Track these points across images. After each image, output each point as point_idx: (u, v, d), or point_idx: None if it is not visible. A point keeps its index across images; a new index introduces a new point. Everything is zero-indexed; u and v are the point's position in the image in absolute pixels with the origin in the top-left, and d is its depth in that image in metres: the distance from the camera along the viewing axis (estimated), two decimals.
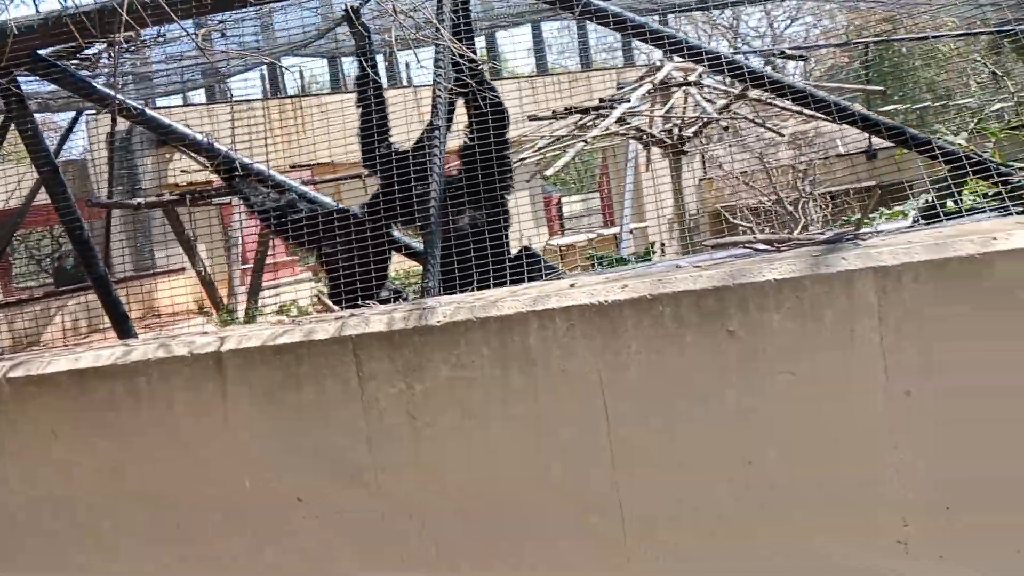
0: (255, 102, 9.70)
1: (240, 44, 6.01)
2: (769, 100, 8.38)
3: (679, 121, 9.16)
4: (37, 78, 4.92)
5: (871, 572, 2.30)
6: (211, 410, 2.70)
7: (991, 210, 3.08)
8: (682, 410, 2.40)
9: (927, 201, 3.83)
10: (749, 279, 2.36)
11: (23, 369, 2.88)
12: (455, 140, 4.20)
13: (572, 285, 2.63)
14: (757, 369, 2.34)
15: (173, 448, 2.75)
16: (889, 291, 2.26)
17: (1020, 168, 3.45)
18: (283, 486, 2.67)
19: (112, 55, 4.67)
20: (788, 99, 4.13)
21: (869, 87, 7.79)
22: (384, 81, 4.27)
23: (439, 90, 3.94)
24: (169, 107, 10.92)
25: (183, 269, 9.06)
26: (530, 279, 3.36)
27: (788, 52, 8.03)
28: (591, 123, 8.83)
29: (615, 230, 10.96)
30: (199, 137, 4.44)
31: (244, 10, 5.34)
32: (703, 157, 12.75)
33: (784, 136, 9.58)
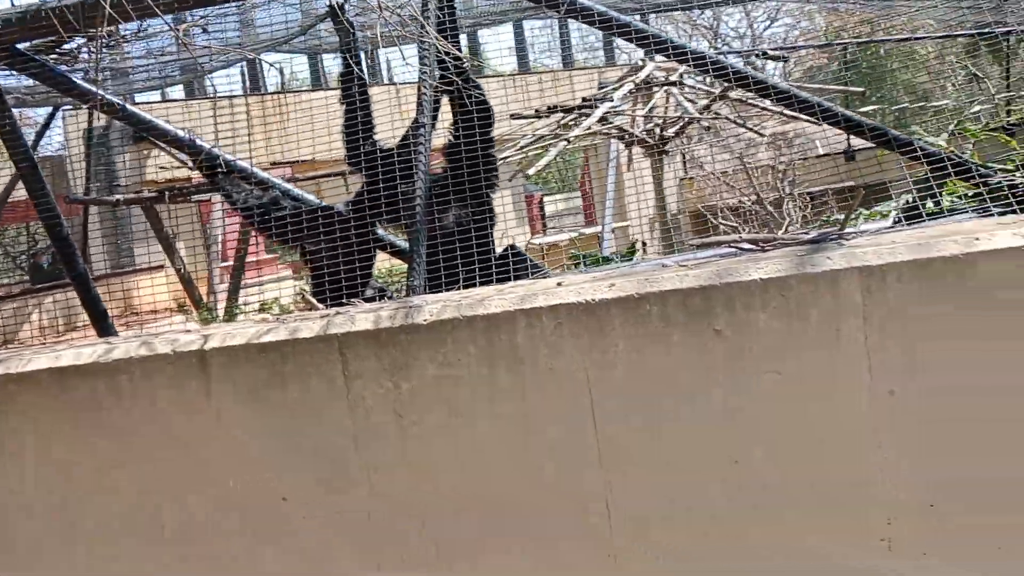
0: (236, 98, 9.62)
1: (222, 40, 5.95)
2: (750, 100, 8.44)
3: (661, 121, 9.20)
4: (12, 73, 4.86)
5: (856, 570, 2.32)
6: (195, 408, 2.67)
7: (972, 211, 3.12)
8: (669, 409, 2.41)
9: (907, 202, 3.87)
10: (735, 278, 2.38)
11: (2, 367, 2.84)
12: (439, 138, 4.19)
13: (559, 284, 2.63)
14: (744, 368, 2.35)
15: (157, 447, 2.72)
16: (874, 291, 2.28)
17: (1000, 169, 3.49)
18: (267, 485, 2.65)
19: (92, 50, 4.61)
20: (772, 100, 4.15)
21: (850, 88, 7.86)
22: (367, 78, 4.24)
23: (424, 87, 3.92)
24: (150, 103, 10.80)
25: (162, 267, 8.98)
26: (516, 278, 3.36)
27: (771, 52, 8.08)
28: (573, 122, 8.84)
29: (597, 229, 10.99)
30: (181, 133, 4.40)
31: (225, 5, 5.30)
32: (684, 157, 12.82)
33: (764, 136, 9.65)
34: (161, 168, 8.31)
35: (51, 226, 4.31)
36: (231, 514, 2.69)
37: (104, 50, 5.09)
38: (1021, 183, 3.18)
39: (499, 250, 4.00)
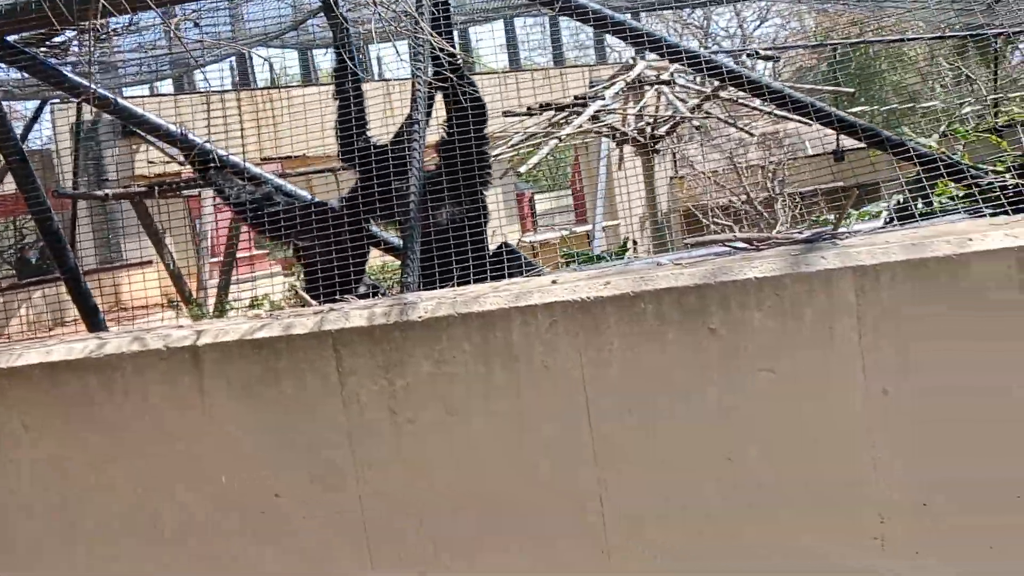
0: (226, 94, 9.57)
1: (213, 35, 5.92)
2: (740, 100, 8.47)
3: (652, 119, 9.22)
4: (1, 66, 4.81)
5: (850, 569, 2.33)
6: (188, 404, 2.66)
7: (964, 211, 3.14)
8: (664, 407, 2.41)
9: (899, 202, 3.89)
10: (731, 277, 2.38)
11: None
12: (432, 135, 4.18)
13: (554, 282, 2.63)
14: (738, 367, 2.36)
15: (149, 443, 2.70)
16: (867, 290, 2.29)
17: (991, 171, 3.52)
18: (261, 482, 2.64)
19: (83, 42, 4.57)
20: (767, 100, 4.16)
21: (840, 89, 7.90)
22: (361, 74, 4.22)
23: (419, 83, 3.91)
24: (142, 97, 10.72)
25: (150, 262, 8.92)
26: (510, 275, 3.36)
27: (764, 52, 8.11)
28: (564, 120, 8.85)
29: (588, 227, 11.00)
30: (173, 128, 4.37)
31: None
32: (675, 156, 12.85)
33: (754, 136, 9.69)
34: (150, 163, 8.28)
35: (41, 220, 4.28)
36: (224, 510, 2.68)
37: (95, 43, 5.05)
38: (1012, 184, 3.20)
39: (493, 248, 4.00)
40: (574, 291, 2.48)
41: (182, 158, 5.77)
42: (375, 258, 5.66)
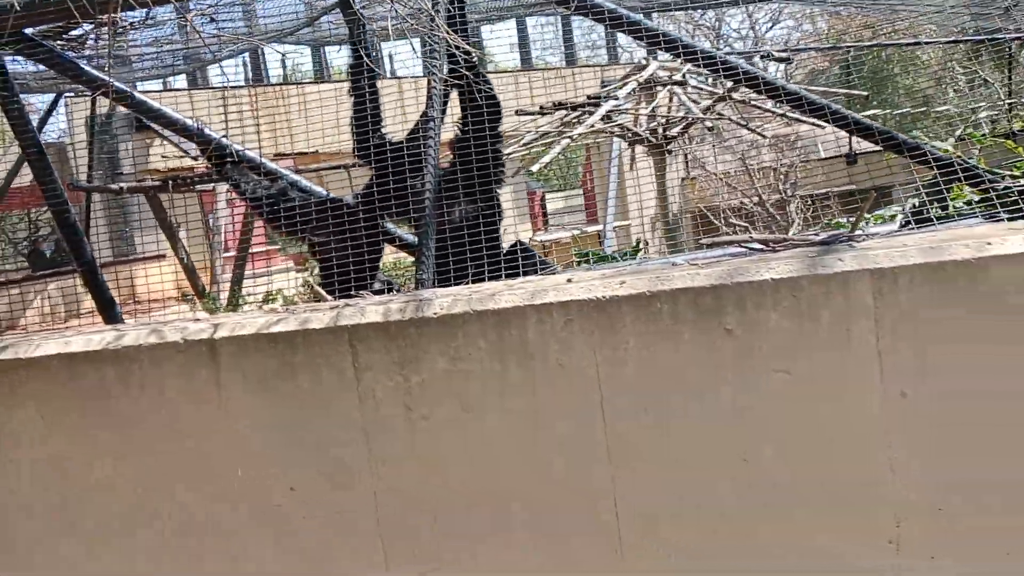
0: (240, 89, 9.60)
1: (227, 31, 5.94)
2: (753, 102, 8.45)
3: (664, 120, 9.22)
4: (17, 59, 4.84)
5: (865, 570, 2.33)
6: (205, 398, 2.67)
7: (981, 215, 3.12)
8: (678, 406, 2.42)
9: (914, 205, 3.88)
10: (747, 278, 2.38)
11: (11, 352, 2.83)
12: (445, 132, 4.18)
13: (569, 280, 2.64)
14: (754, 367, 2.36)
15: (165, 435, 2.72)
16: (885, 293, 2.29)
17: (1008, 175, 3.51)
18: (276, 475, 2.65)
19: (101, 36, 4.59)
20: (783, 101, 4.15)
21: (854, 92, 7.88)
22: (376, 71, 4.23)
23: (434, 81, 3.92)
24: (158, 92, 10.77)
25: (164, 255, 8.97)
26: (524, 274, 3.36)
27: (776, 54, 8.09)
28: (576, 120, 8.85)
29: (599, 227, 11.00)
30: (189, 122, 4.39)
31: None
32: (686, 157, 12.83)
33: (766, 138, 9.67)
34: (164, 157, 8.32)
35: (58, 213, 4.30)
36: (240, 503, 2.69)
37: (113, 37, 5.07)
38: None
39: (507, 246, 4.00)
40: (589, 290, 2.49)
41: (196, 153, 5.80)
42: (387, 255, 5.67)
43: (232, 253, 10.01)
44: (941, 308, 2.27)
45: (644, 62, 9.52)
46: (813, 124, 6.06)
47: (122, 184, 7.29)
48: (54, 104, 8.92)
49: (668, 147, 9.35)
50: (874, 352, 2.29)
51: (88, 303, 4.82)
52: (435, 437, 2.55)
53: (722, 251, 2.98)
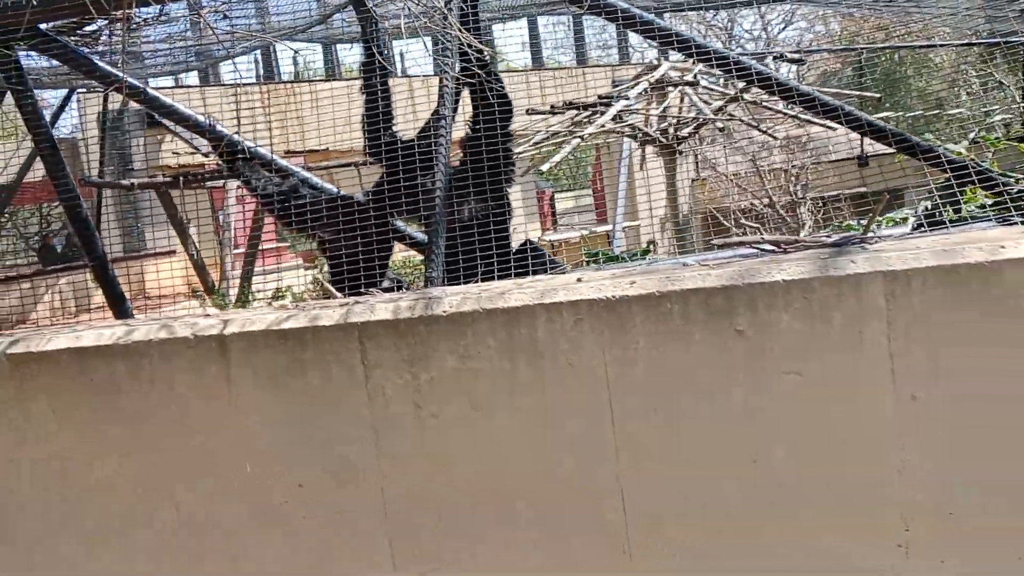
0: (251, 86, 9.62)
1: (243, 28, 5.96)
2: (764, 103, 8.42)
3: (675, 121, 9.19)
4: (31, 54, 4.86)
5: (873, 572, 2.32)
6: (215, 393, 2.68)
7: (994, 219, 3.10)
8: (688, 407, 2.41)
9: (927, 208, 3.86)
10: (758, 279, 2.38)
11: (23, 345, 2.85)
12: (456, 131, 4.19)
13: (579, 280, 2.63)
14: (764, 368, 2.35)
15: (175, 432, 2.73)
16: (898, 295, 2.28)
17: (1021, 178, 3.48)
18: (285, 471, 2.66)
19: (114, 32, 4.61)
20: (795, 102, 4.13)
21: (867, 94, 7.84)
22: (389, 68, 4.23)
23: (446, 79, 3.92)
24: (170, 88, 10.81)
25: (174, 251, 9.00)
26: (534, 273, 3.36)
27: (789, 55, 8.06)
28: (587, 119, 8.84)
29: (608, 227, 10.99)
30: (201, 119, 4.40)
31: None
32: (697, 157, 12.80)
33: (778, 139, 9.64)
34: (175, 153, 8.35)
35: (70, 208, 4.32)
36: (248, 499, 2.70)
37: (122, 33, 5.09)
38: None
39: (516, 245, 4.00)
40: (600, 290, 2.48)
41: (207, 149, 5.82)
42: (397, 253, 5.68)
43: (242, 249, 10.04)
44: (954, 311, 2.26)
45: (656, 62, 9.49)
46: (825, 126, 6.03)
47: (133, 180, 7.32)
48: (67, 99, 8.96)
49: (679, 148, 9.32)
50: (886, 354, 2.28)
51: (99, 298, 4.84)
52: (444, 435, 2.55)
53: (733, 252, 2.97)
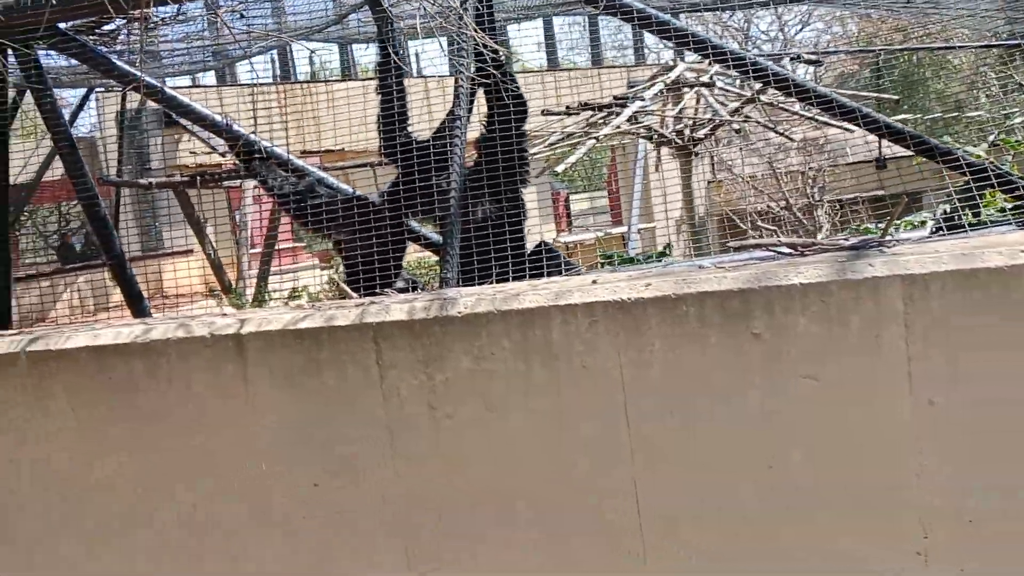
0: (267, 86, 9.66)
1: (260, 28, 5.99)
2: (780, 104, 8.39)
3: (690, 122, 9.17)
4: (50, 53, 4.90)
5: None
6: (231, 393, 2.69)
7: (1014, 222, 3.08)
8: (704, 409, 2.40)
9: (946, 211, 3.83)
10: (775, 282, 2.36)
11: (42, 343, 2.87)
12: (472, 131, 4.19)
13: (594, 281, 2.62)
14: (781, 371, 2.34)
15: (192, 431, 2.74)
16: (916, 299, 2.26)
17: None
18: (301, 471, 2.67)
19: (132, 31, 4.65)
20: (812, 104, 4.11)
21: (884, 96, 7.79)
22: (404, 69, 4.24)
23: (461, 80, 3.93)
24: (188, 87, 10.88)
25: (191, 251, 9.06)
26: (549, 274, 3.36)
27: (806, 56, 8.02)
28: (602, 120, 8.83)
29: (623, 229, 10.97)
30: (218, 119, 4.43)
31: None
32: (713, 159, 12.76)
33: (795, 141, 9.59)
34: (192, 153, 8.40)
35: (88, 207, 4.35)
36: (264, 498, 2.71)
37: (144, 32, 5.12)
38: None
39: (531, 246, 4.00)
40: (615, 291, 2.47)
41: (224, 149, 5.85)
42: (411, 253, 5.69)
43: (259, 249, 10.09)
44: (973, 315, 2.24)
45: (672, 63, 9.48)
46: (842, 128, 6.00)
47: (151, 179, 7.37)
48: (85, 98, 9.04)
49: (694, 149, 9.30)
50: (904, 358, 2.26)
51: (117, 297, 4.88)
52: (459, 436, 2.55)
53: (749, 255, 2.95)
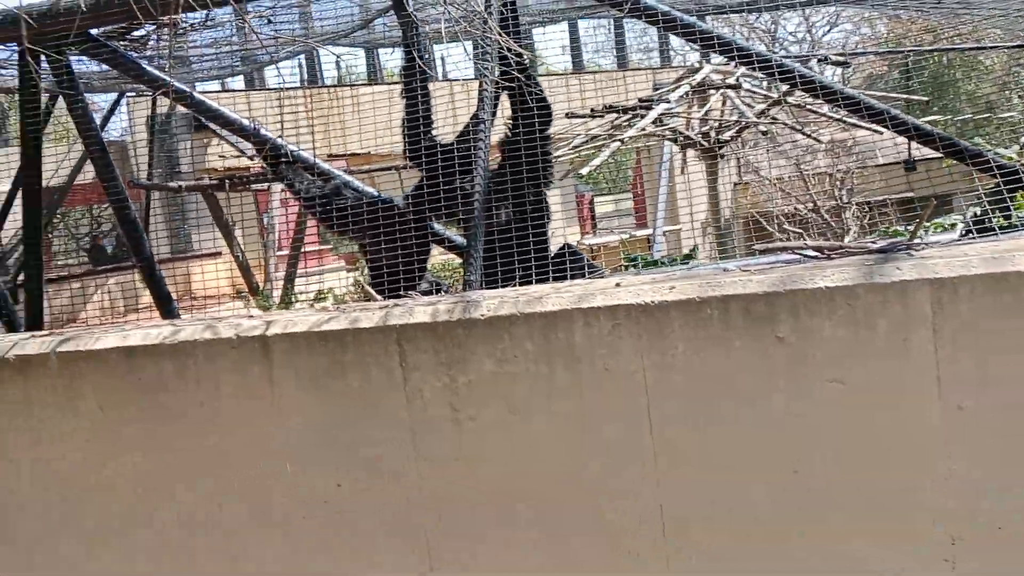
0: (295, 90, 9.76)
1: (285, 32, 6.05)
2: (808, 106, 8.31)
3: (716, 124, 9.12)
4: (82, 59, 4.99)
5: None
6: (257, 394, 2.71)
7: None
8: (728, 413, 2.38)
9: (976, 214, 3.78)
10: (800, 285, 2.34)
11: (73, 344, 2.92)
12: (495, 134, 4.20)
13: (618, 284, 2.62)
14: (807, 375, 2.32)
15: (217, 431, 2.77)
16: (945, 303, 2.23)
17: None
18: (324, 472, 2.69)
19: (162, 37, 4.71)
20: (839, 106, 4.08)
21: (914, 97, 7.69)
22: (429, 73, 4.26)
23: (485, 83, 3.94)
24: (216, 92, 11.00)
25: (219, 253, 9.16)
26: (572, 277, 3.36)
27: (833, 57, 7.95)
28: (627, 123, 8.80)
29: (648, 232, 10.93)
30: (246, 123, 4.48)
31: None
32: (739, 161, 12.67)
33: (822, 143, 9.50)
34: (221, 156, 8.49)
35: (119, 209, 4.42)
36: (291, 498, 2.73)
37: (169, 38, 5.20)
38: None
39: (555, 249, 4.00)
40: (638, 295, 2.47)
41: (252, 153, 5.91)
42: (436, 256, 5.71)
43: (285, 251, 10.18)
44: (1003, 319, 2.20)
45: (697, 65, 9.42)
46: (871, 129, 5.93)
47: (181, 182, 7.46)
48: (116, 103, 9.17)
49: (720, 151, 9.24)
50: (932, 362, 2.23)
51: (146, 298, 4.95)
52: (481, 438, 2.55)
53: (775, 258, 2.93)
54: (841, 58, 8.67)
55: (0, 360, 2.99)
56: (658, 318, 2.42)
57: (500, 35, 3.75)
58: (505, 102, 4.12)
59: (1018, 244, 2.45)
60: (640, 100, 8.60)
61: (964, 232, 3.49)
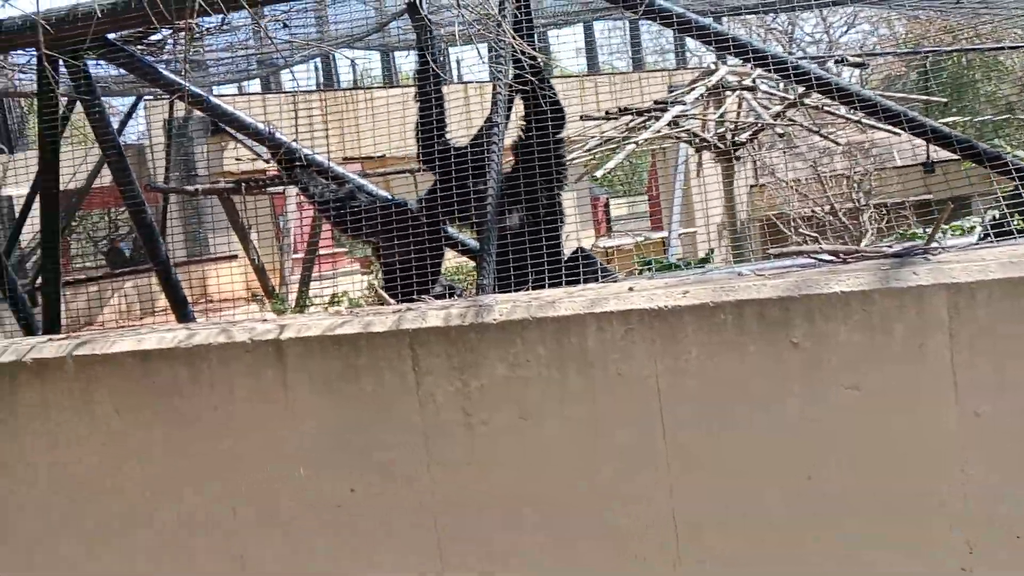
0: (310, 94, 9.80)
1: (301, 36, 6.08)
2: (825, 108, 8.26)
3: (732, 126, 9.07)
4: (100, 63, 5.03)
5: None
6: (271, 398, 2.72)
7: None
8: (742, 418, 2.37)
9: (994, 217, 3.74)
10: (815, 290, 2.32)
11: (88, 348, 2.94)
12: (509, 137, 4.19)
13: (631, 289, 2.61)
14: (822, 380, 2.30)
15: (232, 435, 2.78)
16: (962, 308, 2.21)
17: None
18: (338, 476, 2.69)
19: (178, 41, 4.75)
20: (857, 108, 4.05)
21: (933, 98, 7.62)
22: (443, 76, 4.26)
23: (499, 86, 3.94)
24: (232, 96, 11.07)
25: (235, 256, 9.21)
26: (585, 281, 3.35)
27: (851, 58, 7.89)
28: (642, 125, 8.78)
29: (663, 234, 10.90)
30: (261, 127, 4.50)
31: (306, 1, 5.41)
32: (755, 163, 12.61)
33: (840, 145, 9.44)
34: (237, 160, 8.54)
35: (136, 213, 4.45)
36: (304, 502, 2.73)
37: (189, 42, 5.23)
38: None
39: (568, 253, 3.99)
40: (651, 299, 2.45)
41: (268, 156, 5.94)
42: (450, 260, 5.71)
43: (300, 255, 10.22)
44: (1021, 324, 2.17)
45: (713, 67, 9.38)
46: (888, 131, 5.88)
47: (197, 186, 7.51)
48: (133, 107, 9.25)
49: (736, 154, 9.19)
50: (949, 368, 2.21)
51: (162, 301, 4.98)
52: (494, 443, 2.55)
53: (790, 262, 2.91)
54: (859, 59, 8.61)
55: (18, 363, 3.02)
56: (671, 323, 2.41)
57: (514, 38, 3.75)
58: (519, 105, 4.12)
59: None
60: (655, 102, 8.57)
61: (983, 235, 3.45)
